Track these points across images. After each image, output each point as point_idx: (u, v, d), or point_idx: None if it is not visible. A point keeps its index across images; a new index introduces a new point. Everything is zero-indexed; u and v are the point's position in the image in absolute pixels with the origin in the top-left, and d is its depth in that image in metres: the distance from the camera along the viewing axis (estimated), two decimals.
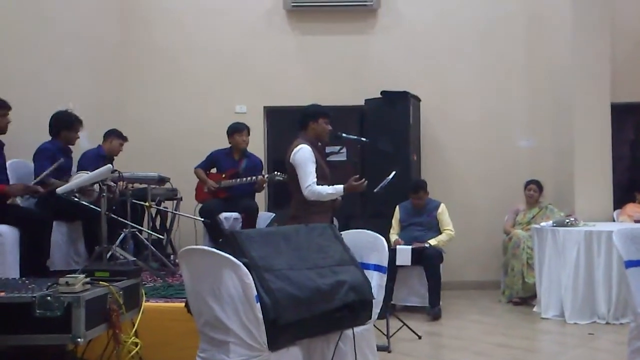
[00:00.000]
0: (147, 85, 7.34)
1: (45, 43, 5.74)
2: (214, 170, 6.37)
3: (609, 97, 6.53)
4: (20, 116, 4.92)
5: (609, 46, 6.56)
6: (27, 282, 2.98)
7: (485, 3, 7.37)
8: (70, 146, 5.39)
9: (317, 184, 4.28)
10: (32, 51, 5.54)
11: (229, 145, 6.33)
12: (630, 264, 3.32)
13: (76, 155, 5.65)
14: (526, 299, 6.19)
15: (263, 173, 6.31)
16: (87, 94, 6.47)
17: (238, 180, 6.08)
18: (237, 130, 6.26)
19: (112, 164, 5.60)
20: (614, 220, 6.41)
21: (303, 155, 4.27)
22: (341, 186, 4.30)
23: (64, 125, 5.23)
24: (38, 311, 2.57)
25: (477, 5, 7.37)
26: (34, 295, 2.59)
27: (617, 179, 6.70)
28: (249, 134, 6.32)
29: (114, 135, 5.94)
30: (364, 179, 4.34)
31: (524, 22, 7.36)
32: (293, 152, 4.31)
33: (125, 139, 6.01)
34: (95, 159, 5.65)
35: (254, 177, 6.03)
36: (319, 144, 4.53)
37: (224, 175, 6.23)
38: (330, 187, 4.29)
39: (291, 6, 7.24)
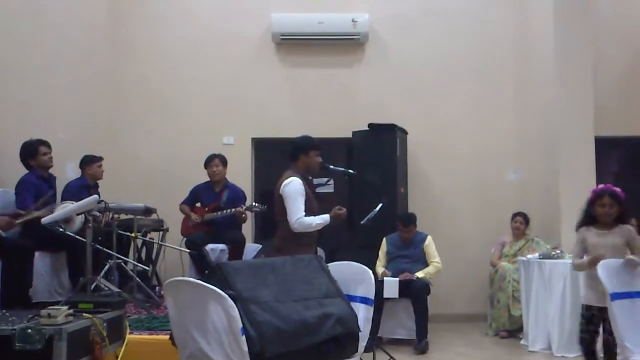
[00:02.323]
0: (135, 116, 7.35)
1: (33, 73, 5.75)
2: (198, 205, 6.35)
3: (593, 131, 6.61)
4: (6, 146, 4.89)
5: (592, 81, 6.66)
6: (7, 314, 2.93)
7: (473, 39, 7.49)
8: (51, 172, 5.33)
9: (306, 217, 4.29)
10: (20, 80, 5.54)
11: (209, 179, 6.32)
12: (615, 296, 3.33)
13: (61, 185, 5.61)
14: (513, 331, 6.17)
15: (244, 204, 6.27)
16: (76, 125, 6.45)
17: (219, 213, 6.06)
18: (207, 161, 6.29)
19: (98, 193, 5.57)
20: None
21: (294, 187, 4.28)
22: (327, 215, 4.36)
23: (28, 155, 5.17)
24: (18, 344, 2.52)
25: (464, 40, 7.49)
26: (14, 327, 2.54)
27: None
28: (223, 164, 6.30)
29: (89, 161, 5.87)
30: (344, 209, 4.42)
31: (511, 58, 7.48)
32: (283, 184, 4.32)
33: (99, 158, 5.91)
34: (79, 189, 5.61)
35: (232, 209, 6.01)
36: (309, 177, 4.54)
37: (206, 209, 6.21)
38: (318, 217, 4.32)
39: (280, 39, 7.32)
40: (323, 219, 4.33)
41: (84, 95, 6.70)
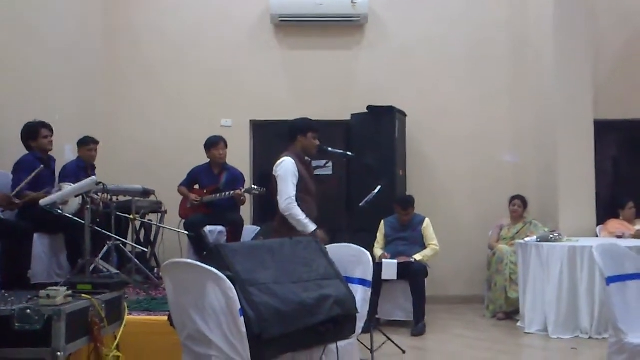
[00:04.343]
0: (133, 99, 7.33)
1: (31, 57, 5.71)
2: (197, 187, 6.34)
3: (592, 113, 6.61)
4: (4, 128, 4.88)
5: (591, 63, 6.65)
6: (6, 294, 2.94)
7: (472, 21, 7.45)
8: (51, 155, 5.33)
9: (304, 199, 4.29)
10: (17, 65, 5.50)
11: (208, 160, 6.30)
12: (610, 279, 3.35)
13: (60, 165, 5.61)
14: (510, 313, 6.21)
15: (242, 186, 6.26)
16: (73, 108, 6.44)
17: (218, 195, 6.05)
18: (213, 144, 6.22)
19: (94, 174, 5.56)
20: (597, 236, 6.46)
21: (285, 167, 4.29)
22: (314, 226, 4.30)
23: (29, 136, 5.16)
24: (17, 324, 2.52)
25: (463, 22, 7.45)
26: (13, 308, 2.55)
27: (599, 194, 6.77)
28: (226, 147, 6.27)
29: (82, 144, 5.86)
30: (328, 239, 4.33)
31: (509, 39, 7.45)
32: (276, 165, 4.33)
33: (91, 141, 5.88)
34: (75, 171, 5.62)
35: (231, 192, 6.00)
36: (306, 158, 4.54)
37: (205, 191, 6.20)
38: (308, 219, 4.28)
39: (279, 21, 7.27)
40: (308, 224, 4.26)
41: (80, 79, 6.67)
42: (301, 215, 4.27)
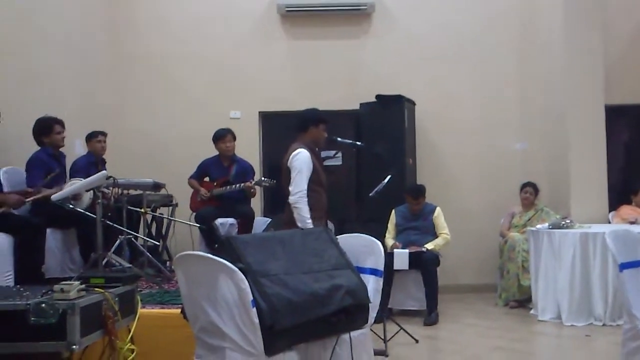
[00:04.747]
0: (141, 92, 7.34)
1: (37, 52, 5.72)
2: (207, 179, 6.36)
3: (603, 98, 6.55)
4: (12, 124, 4.90)
5: (602, 48, 6.58)
6: (21, 289, 2.96)
7: (479, 8, 7.39)
8: (62, 150, 5.35)
9: (314, 190, 4.29)
10: (24, 60, 5.52)
11: (218, 153, 6.31)
12: (624, 266, 3.33)
13: (70, 160, 5.64)
14: (522, 301, 6.19)
15: (252, 178, 6.27)
16: (82, 102, 6.46)
17: (228, 187, 6.06)
18: (220, 136, 6.24)
19: (104, 168, 5.59)
20: (609, 222, 6.43)
21: (302, 159, 4.28)
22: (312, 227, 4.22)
23: (41, 131, 5.19)
24: (32, 318, 2.55)
25: (471, 9, 7.40)
26: (29, 302, 2.57)
27: (611, 180, 6.72)
28: (234, 139, 6.27)
29: (91, 137, 5.89)
30: None
31: (518, 26, 7.39)
32: (292, 155, 4.31)
33: (99, 134, 5.90)
34: (86, 166, 5.64)
35: (241, 184, 6.01)
36: (316, 149, 4.53)
37: (215, 184, 6.21)
38: (309, 219, 4.23)
39: (285, 11, 7.24)
40: (308, 224, 4.20)
41: (88, 73, 6.69)
42: (307, 214, 4.23)
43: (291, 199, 4.26)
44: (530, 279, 5.94)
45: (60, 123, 5.25)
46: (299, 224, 4.22)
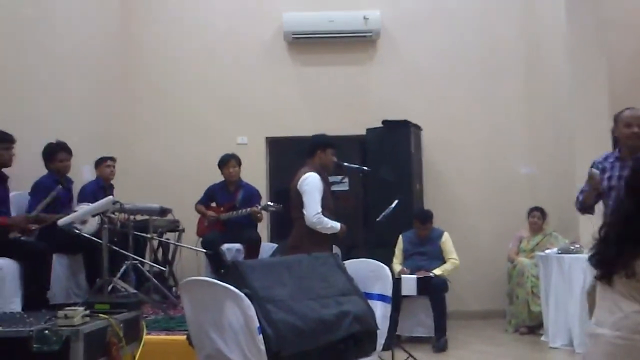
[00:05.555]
0: (149, 118, 7.38)
1: (48, 79, 5.78)
2: (214, 204, 6.35)
3: (610, 121, 6.51)
4: (23, 149, 4.92)
5: (606, 72, 6.57)
6: (25, 315, 2.94)
7: (484, 32, 7.44)
8: (69, 176, 5.36)
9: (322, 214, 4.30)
10: (35, 87, 5.57)
11: (223, 179, 6.32)
12: None
13: (78, 186, 5.64)
14: (533, 328, 6.10)
15: (259, 203, 6.26)
16: (91, 129, 6.49)
17: (235, 212, 6.06)
18: (224, 162, 6.27)
19: (112, 194, 5.60)
20: None
21: (312, 183, 4.30)
22: (339, 224, 4.48)
23: (46, 157, 5.20)
24: (35, 346, 2.52)
25: (476, 34, 7.44)
26: (32, 329, 2.54)
27: None
28: (239, 164, 6.29)
29: (100, 161, 5.94)
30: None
31: (522, 50, 7.42)
32: (302, 179, 4.32)
33: (108, 158, 5.95)
34: (94, 191, 5.65)
35: (248, 209, 6.00)
36: (325, 173, 4.54)
37: (222, 209, 6.21)
38: (333, 222, 4.42)
39: (292, 38, 7.30)
40: (335, 225, 4.44)
41: (96, 100, 6.72)
42: (329, 222, 4.39)
43: (309, 223, 4.29)
44: (541, 305, 5.86)
45: (66, 150, 5.25)
46: (331, 232, 4.41)
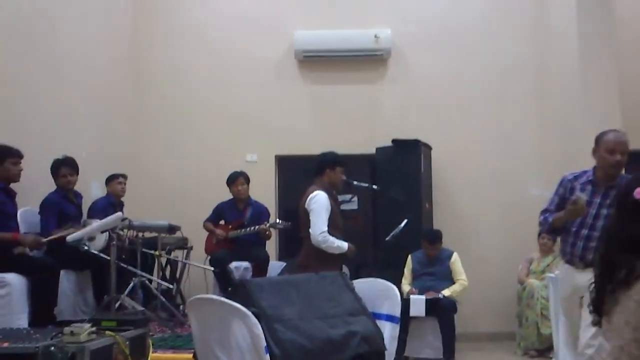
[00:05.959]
0: (158, 135, 7.40)
1: (58, 95, 5.81)
2: (222, 222, 6.35)
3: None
4: (32, 165, 4.94)
5: (618, 95, 6.54)
6: (31, 331, 2.93)
7: (495, 53, 7.43)
8: (78, 191, 5.37)
9: (331, 234, 4.27)
10: (45, 102, 5.60)
11: (232, 197, 6.32)
12: None
13: (86, 204, 5.65)
14: (542, 351, 6.02)
15: (267, 221, 6.25)
16: (100, 145, 6.51)
17: (243, 230, 6.05)
18: (232, 180, 6.28)
19: (122, 211, 5.60)
20: None
21: (319, 201, 4.28)
22: (346, 244, 4.41)
23: (52, 172, 5.22)
24: None
25: (486, 55, 7.43)
26: (38, 345, 2.53)
27: None
28: (247, 182, 6.30)
29: (111, 178, 5.99)
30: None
31: (533, 71, 7.40)
32: (309, 198, 4.30)
33: (119, 175, 5.99)
34: (105, 207, 5.66)
35: (256, 227, 5.99)
36: (334, 192, 4.52)
37: (230, 227, 6.20)
38: (340, 241, 4.35)
39: (303, 57, 7.34)
40: (343, 245, 4.37)
41: (106, 117, 6.76)
42: (335, 242, 4.33)
43: (315, 241, 4.25)
44: (551, 327, 5.78)
45: (69, 165, 5.23)
46: (338, 252, 4.33)
